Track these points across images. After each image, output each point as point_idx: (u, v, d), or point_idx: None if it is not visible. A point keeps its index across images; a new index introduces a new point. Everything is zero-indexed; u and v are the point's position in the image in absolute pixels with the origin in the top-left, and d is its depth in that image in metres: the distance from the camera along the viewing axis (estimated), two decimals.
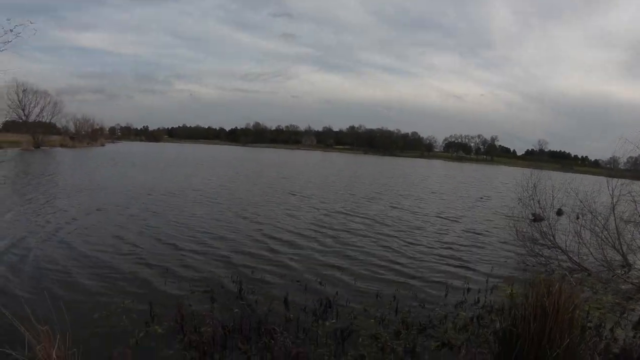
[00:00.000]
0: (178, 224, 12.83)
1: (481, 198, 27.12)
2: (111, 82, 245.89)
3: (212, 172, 33.92)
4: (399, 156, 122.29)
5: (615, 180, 9.61)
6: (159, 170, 32.45)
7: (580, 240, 9.50)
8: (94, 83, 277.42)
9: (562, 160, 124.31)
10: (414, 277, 8.87)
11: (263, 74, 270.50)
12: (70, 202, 15.76)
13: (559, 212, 13.51)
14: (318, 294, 7.45)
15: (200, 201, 17.90)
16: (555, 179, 11.56)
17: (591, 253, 9.42)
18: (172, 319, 5.95)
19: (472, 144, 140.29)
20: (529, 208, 11.21)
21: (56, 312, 4.40)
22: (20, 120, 60.06)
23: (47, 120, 63.40)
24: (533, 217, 11.59)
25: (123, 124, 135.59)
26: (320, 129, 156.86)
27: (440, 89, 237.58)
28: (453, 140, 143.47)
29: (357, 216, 16.27)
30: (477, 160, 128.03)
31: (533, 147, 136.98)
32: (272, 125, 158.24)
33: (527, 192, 11.03)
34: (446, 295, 7.83)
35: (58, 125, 68.96)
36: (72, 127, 72.88)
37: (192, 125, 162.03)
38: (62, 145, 60.61)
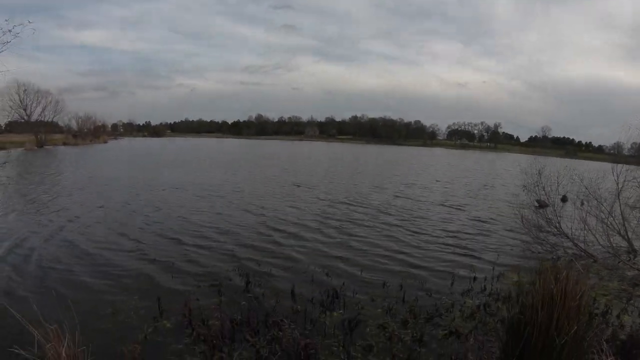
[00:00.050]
0: (182, 219, 12.88)
1: (485, 186, 27.03)
2: (112, 79, 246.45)
3: (215, 166, 33.87)
4: (402, 145, 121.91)
5: (620, 166, 9.55)
6: (160, 166, 32.45)
7: (586, 227, 9.46)
8: (95, 80, 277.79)
9: (566, 147, 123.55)
10: (419, 267, 8.89)
11: (264, 66, 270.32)
12: (73, 199, 15.84)
13: (564, 199, 13.46)
14: (324, 285, 7.48)
15: (204, 195, 17.92)
16: (559, 165, 11.50)
17: (597, 239, 9.38)
18: (180, 314, 6.00)
19: (475, 132, 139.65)
20: (534, 195, 11.16)
21: (64, 311, 4.44)
22: (23, 120, 60.10)
23: (50, 119, 63.50)
24: (538, 204, 11.54)
25: (125, 121, 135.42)
26: (322, 119, 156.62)
27: (442, 78, 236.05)
28: (456, 128, 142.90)
29: (361, 206, 16.27)
30: (480, 148, 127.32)
31: (536, 134, 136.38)
32: (274, 117, 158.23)
33: (532, 179, 10.98)
34: (452, 283, 7.84)
35: (60, 123, 69.14)
36: (74, 125, 73.03)
37: (195, 119, 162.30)
38: (65, 144, 60.66)
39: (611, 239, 9.25)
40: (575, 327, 3.83)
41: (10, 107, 56.90)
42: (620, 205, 9.39)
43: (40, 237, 10.22)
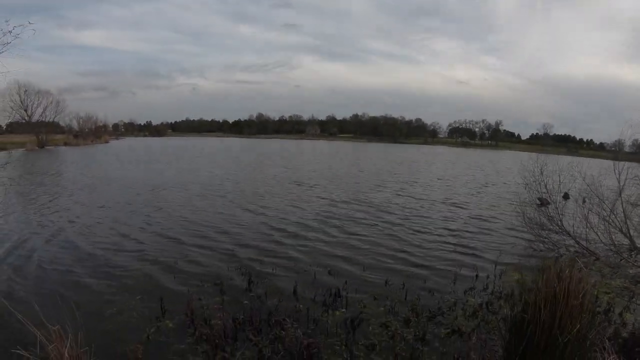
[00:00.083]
0: (183, 218, 12.90)
1: (486, 183, 27.00)
2: (113, 79, 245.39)
3: (215, 165, 33.86)
4: (403, 143, 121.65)
5: (621, 163, 9.52)
6: (161, 165, 32.45)
7: (588, 225, 9.44)
8: (96, 81, 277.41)
9: (567, 144, 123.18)
10: (421, 265, 8.89)
11: (265, 65, 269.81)
12: (74, 200, 15.89)
13: (566, 196, 13.42)
14: (327, 284, 7.49)
15: (205, 194, 17.95)
16: (561, 163, 11.46)
17: (599, 237, 9.36)
18: (182, 313, 6.02)
19: (476, 129, 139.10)
20: (536, 192, 11.14)
21: (66, 312, 4.45)
22: (24, 121, 60.13)
23: (51, 120, 63.48)
24: (540, 202, 11.52)
25: (126, 120, 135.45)
26: (323, 118, 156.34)
27: (444, 75, 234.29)
28: (457, 125, 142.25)
29: (362, 205, 16.26)
30: (481, 146, 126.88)
31: (538, 131, 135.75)
32: (275, 115, 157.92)
33: (534, 177, 10.96)
34: (454, 282, 7.84)
35: (61, 124, 69.12)
36: (75, 126, 73.08)
37: (196, 119, 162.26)
38: (66, 144, 60.71)
39: (613, 237, 9.23)
40: (578, 326, 3.83)
41: (11, 107, 57.29)
42: (622, 203, 9.37)
43: (41, 238, 10.26)
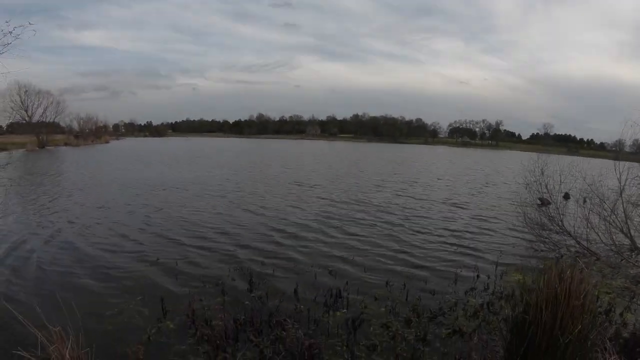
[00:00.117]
0: (183, 219, 12.90)
1: (487, 183, 27.00)
2: (113, 79, 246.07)
3: (215, 165, 33.83)
4: (404, 143, 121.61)
5: (622, 163, 9.52)
6: (160, 166, 32.45)
7: (589, 225, 9.44)
8: (97, 81, 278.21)
9: (567, 144, 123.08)
10: (422, 266, 8.89)
11: (266, 65, 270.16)
12: (74, 200, 15.91)
13: (566, 196, 13.42)
14: (327, 285, 7.49)
15: (204, 195, 17.96)
16: (562, 163, 11.45)
17: (599, 237, 9.35)
18: (183, 314, 6.02)
19: (476, 129, 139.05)
20: (536, 192, 11.14)
21: (67, 313, 4.44)
22: (24, 122, 60.18)
23: (51, 120, 63.50)
24: (540, 202, 11.52)
25: (127, 121, 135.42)
26: (324, 118, 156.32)
27: (444, 75, 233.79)
28: (458, 125, 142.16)
29: (363, 205, 16.26)
30: (482, 146, 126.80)
31: (538, 131, 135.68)
32: (275, 116, 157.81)
33: (534, 177, 10.95)
34: (455, 282, 7.84)
35: (62, 124, 69.09)
36: (76, 126, 73.07)
37: (196, 119, 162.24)
38: (66, 144, 60.75)
39: (614, 237, 9.21)
40: (580, 326, 3.83)
41: (12, 108, 57.37)
42: (622, 203, 9.35)
43: (41, 239, 10.27)
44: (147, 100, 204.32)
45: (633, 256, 9.08)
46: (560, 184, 10.57)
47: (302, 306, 6.46)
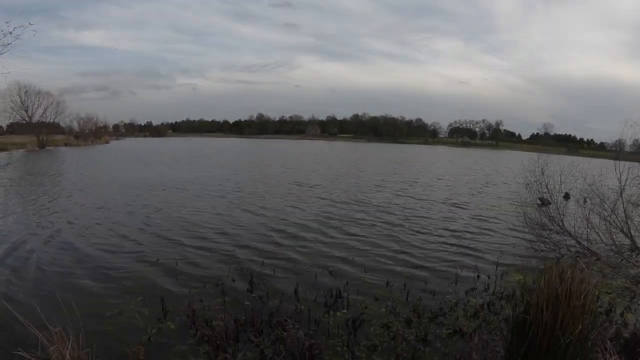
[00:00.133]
0: (183, 220, 12.90)
1: (487, 183, 27.00)
2: (113, 79, 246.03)
3: (215, 165, 33.81)
4: (404, 143, 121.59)
5: (622, 163, 9.52)
6: (160, 166, 32.44)
7: (589, 225, 9.44)
8: (97, 81, 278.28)
9: (567, 144, 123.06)
10: (422, 266, 8.89)
11: (266, 65, 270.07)
12: (73, 201, 15.91)
13: (567, 196, 13.42)
14: (328, 285, 7.48)
15: (204, 195, 17.96)
16: (562, 163, 11.45)
17: (600, 237, 9.35)
18: (183, 315, 6.02)
19: (477, 129, 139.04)
20: (537, 192, 11.14)
21: (67, 313, 4.44)
22: (24, 122, 60.20)
23: (51, 120, 63.52)
24: (540, 202, 11.52)
25: (127, 121, 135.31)
26: (324, 118, 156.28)
27: (444, 75, 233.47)
28: (458, 125, 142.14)
29: (363, 205, 16.26)
30: (482, 146, 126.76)
31: (538, 131, 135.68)
32: (275, 116, 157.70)
33: (535, 177, 10.96)
34: (456, 283, 7.84)
35: (62, 124, 69.09)
36: (76, 126, 73.04)
37: (196, 119, 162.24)
38: (66, 145, 60.74)
39: (614, 237, 9.22)
40: (580, 327, 3.83)
41: (12, 108, 57.41)
42: (623, 203, 9.36)
43: (40, 239, 10.27)
44: (147, 100, 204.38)
45: (633, 256, 9.08)
46: (561, 184, 10.58)
47: (302, 306, 6.46)
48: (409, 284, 7.64)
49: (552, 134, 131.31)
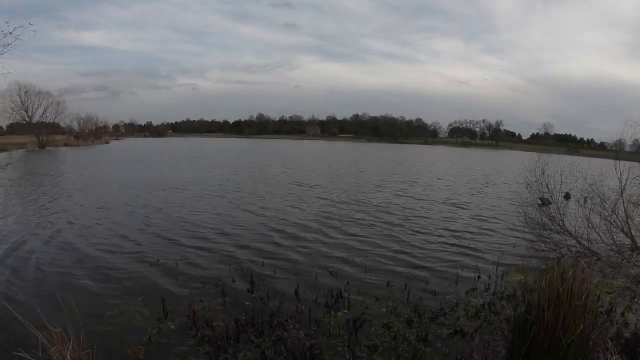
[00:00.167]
0: (183, 220, 12.88)
1: (487, 183, 26.99)
2: (113, 79, 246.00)
3: (215, 165, 33.79)
4: (404, 143, 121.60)
5: (623, 163, 9.52)
6: (161, 166, 32.42)
7: (589, 225, 9.44)
8: (97, 81, 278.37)
9: (567, 144, 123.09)
10: (423, 266, 8.88)
11: (266, 65, 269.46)
12: (73, 201, 15.90)
13: (567, 196, 13.43)
14: (328, 285, 7.47)
15: (204, 195, 17.95)
16: (562, 163, 11.45)
17: (600, 237, 9.35)
18: (184, 315, 6.01)
19: (477, 129, 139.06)
20: (537, 192, 11.14)
21: (68, 314, 4.43)
22: (24, 122, 60.20)
23: (51, 121, 63.48)
24: (541, 202, 11.52)
25: (127, 121, 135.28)
26: (324, 118, 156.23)
27: (444, 75, 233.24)
28: (458, 125, 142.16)
29: (363, 205, 16.25)
30: (482, 145, 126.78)
31: (538, 131, 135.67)
32: (275, 116, 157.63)
33: (535, 176, 10.95)
34: (456, 283, 7.84)
35: (62, 124, 69.07)
36: (76, 126, 73.05)
37: (196, 119, 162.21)
38: (66, 145, 60.76)
39: (614, 237, 9.21)
40: (582, 326, 3.82)
41: (12, 108, 57.43)
42: (623, 203, 9.35)
43: (40, 239, 10.26)
44: (147, 101, 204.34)
45: (634, 256, 9.08)
46: (561, 184, 10.57)
47: (303, 307, 6.46)
48: (410, 284, 7.64)
49: (552, 133, 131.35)
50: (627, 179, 9.32)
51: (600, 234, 9.33)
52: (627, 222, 9.20)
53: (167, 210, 14.22)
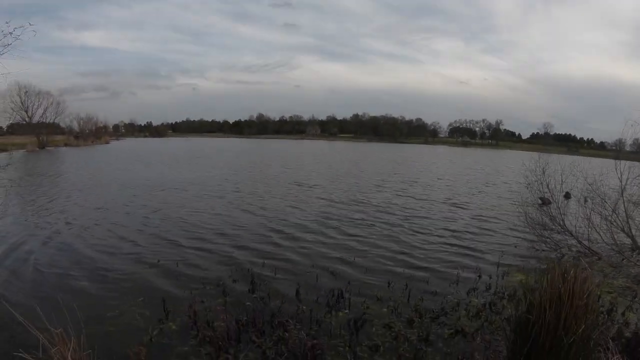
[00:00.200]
0: (182, 220, 12.86)
1: (487, 183, 27.00)
2: (113, 79, 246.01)
3: (215, 165, 33.77)
4: (404, 143, 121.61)
5: (623, 162, 9.53)
6: (161, 166, 32.42)
7: (590, 224, 9.45)
8: (97, 81, 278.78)
9: (567, 143, 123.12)
10: (423, 266, 8.88)
11: (266, 65, 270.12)
12: (72, 201, 15.88)
13: (567, 196, 13.43)
14: (329, 285, 7.47)
15: (203, 195, 17.93)
16: (562, 162, 11.45)
17: (601, 237, 9.36)
18: (185, 315, 6.00)
19: (477, 129, 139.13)
20: (538, 192, 11.15)
21: (69, 315, 4.43)
22: (24, 122, 60.21)
23: (51, 121, 63.48)
24: (541, 202, 11.52)
25: (127, 121, 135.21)
26: (324, 118, 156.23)
27: (444, 75, 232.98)
28: (458, 125, 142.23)
29: (363, 205, 16.25)
30: (482, 145, 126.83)
31: (538, 131, 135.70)
32: (275, 116, 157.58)
33: (535, 176, 10.95)
34: (457, 283, 7.84)
35: (62, 125, 69.09)
36: (76, 126, 73.06)
37: (196, 119, 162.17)
38: (66, 145, 60.74)
39: (615, 237, 9.23)
40: (583, 326, 3.82)
41: (12, 109, 57.48)
42: (623, 203, 9.36)
43: (39, 240, 10.23)
44: (147, 101, 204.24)
45: (634, 255, 9.09)
46: (562, 184, 10.58)
47: (304, 307, 6.45)
48: (410, 284, 7.63)
49: (552, 133, 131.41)
50: (627, 179, 9.33)
51: (601, 233, 9.34)
52: (627, 222, 9.21)
53: (167, 211, 14.20)
